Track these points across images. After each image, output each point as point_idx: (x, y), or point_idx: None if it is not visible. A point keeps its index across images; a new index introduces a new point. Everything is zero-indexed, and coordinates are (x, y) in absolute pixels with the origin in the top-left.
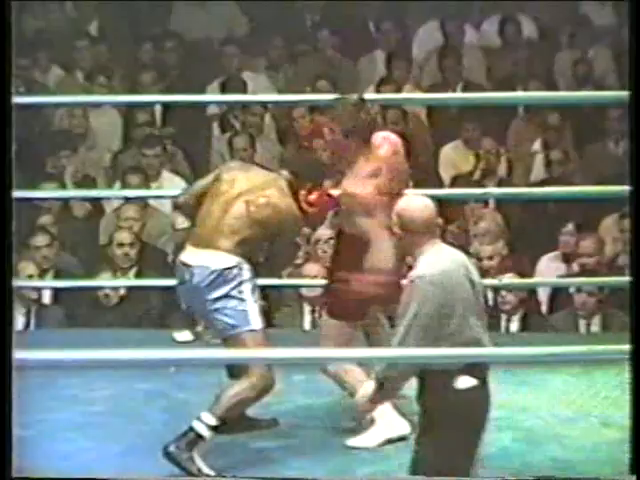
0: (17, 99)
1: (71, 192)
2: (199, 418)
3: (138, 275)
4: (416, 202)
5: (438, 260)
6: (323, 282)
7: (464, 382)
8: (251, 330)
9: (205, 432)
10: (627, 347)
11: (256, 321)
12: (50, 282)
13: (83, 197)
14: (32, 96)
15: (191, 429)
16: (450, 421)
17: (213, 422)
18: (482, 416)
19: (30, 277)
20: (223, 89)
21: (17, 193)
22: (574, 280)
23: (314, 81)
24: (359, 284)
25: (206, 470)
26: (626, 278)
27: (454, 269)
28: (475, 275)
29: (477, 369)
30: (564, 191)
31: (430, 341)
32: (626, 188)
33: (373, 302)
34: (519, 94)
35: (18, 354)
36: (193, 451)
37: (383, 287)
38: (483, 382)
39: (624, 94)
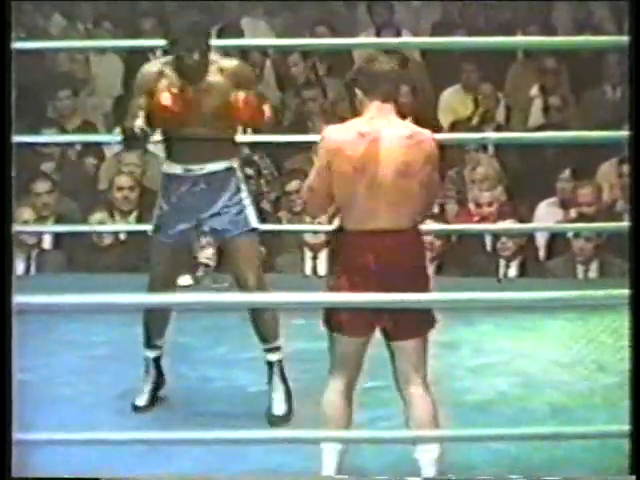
0: (18, 45)
1: (72, 137)
2: (269, 355)
3: (139, 219)
4: None
5: None
6: (325, 228)
7: None
8: (249, 231)
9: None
10: (625, 292)
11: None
12: (50, 227)
13: (83, 142)
14: (34, 41)
15: (271, 364)
16: None
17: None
18: None
19: (26, 222)
20: (220, 36)
21: (17, 138)
22: (572, 226)
23: (312, 27)
24: None
25: None
26: (624, 224)
27: None
28: None
29: None
30: (563, 136)
31: None
32: (624, 133)
33: None
34: (518, 39)
35: (18, 298)
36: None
37: None
38: None
39: (623, 39)
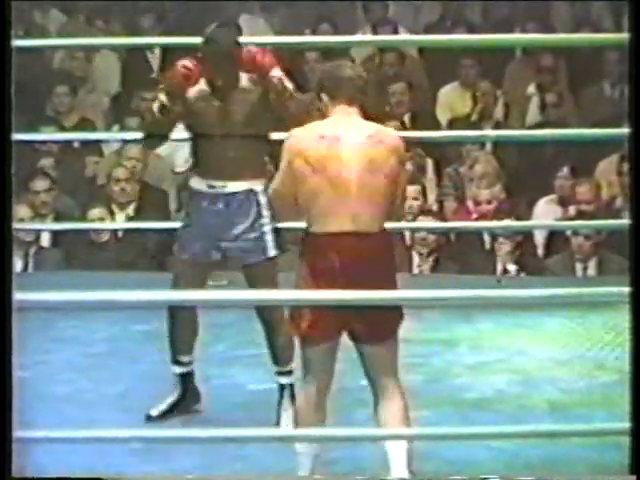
0: (17, 42)
1: (70, 134)
2: (281, 377)
3: (137, 212)
4: None
5: None
6: None
7: None
8: (268, 259)
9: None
10: (624, 290)
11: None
12: (48, 225)
13: (82, 139)
14: (32, 39)
15: (282, 387)
16: None
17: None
18: None
19: (22, 220)
20: None
21: (17, 136)
22: (571, 223)
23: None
24: None
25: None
26: (623, 221)
27: None
28: None
29: None
30: (562, 134)
31: None
32: (623, 130)
33: None
34: (517, 36)
35: (17, 295)
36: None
37: None
38: None
39: (621, 36)
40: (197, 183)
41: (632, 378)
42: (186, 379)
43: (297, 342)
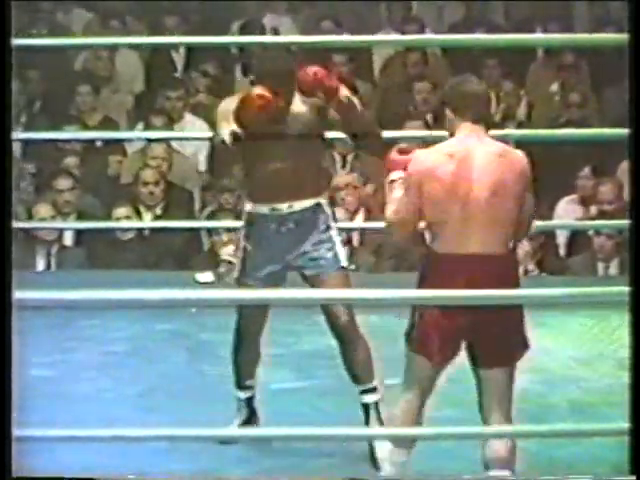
0: (40, 41)
1: (94, 134)
2: (365, 396)
3: (165, 211)
4: None
5: None
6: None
7: None
8: (339, 269)
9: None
10: (624, 290)
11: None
12: (62, 223)
13: (106, 139)
14: (54, 38)
15: (367, 406)
16: None
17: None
18: None
19: (43, 219)
20: (242, 32)
21: (40, 135)
22: (593, 223)
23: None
24: None
25: None
26: (622, 221)
27: None
28: None
29: None
30: (584, 133)
31: None
32: (624, 130)
33: None
34: (539, 36)
35: (39, 294)
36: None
37: None
38: None
39: (622, 37)
40: (256, 208)
41: (632, 378)
42: (250, 402)
43: (406, 355)
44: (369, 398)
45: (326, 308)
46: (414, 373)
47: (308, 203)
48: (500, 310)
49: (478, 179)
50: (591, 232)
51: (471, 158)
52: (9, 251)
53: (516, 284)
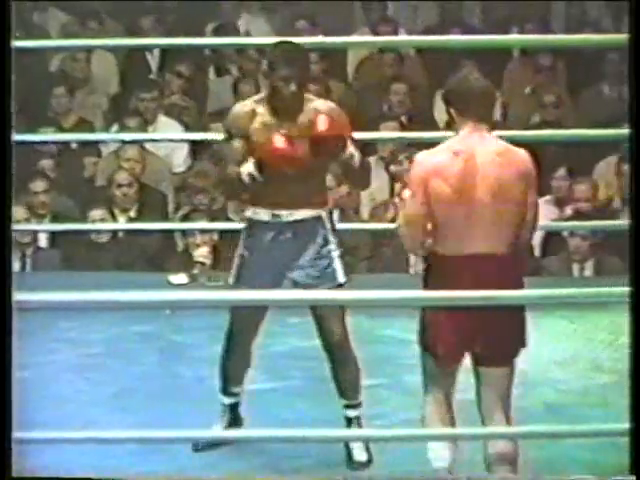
0: (16, 43)
1: (69, 135)
2: (349, 411)
3: (139, 214)
4: None
5: None
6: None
7: None
8: (339, 285)
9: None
10: (622, 290)
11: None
12: (45, 226)
13: (81, 140)
14: (31, 40)
15: (349, 420)
16: None
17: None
18: None
19: (18, 221)
20: (216, 33)
21: (16, 137)
22: (568, 224)
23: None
24: None
25: None
26: (621, 222)
27: None
28: None
29: None
30: (560, 134)
31: None
32: (622, 131)
33: None
34: (515, 37)
35: (16, 296)
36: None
37: None
38: None
39: (621, 37)
40: (258, 214)
41: (632, 378)
42: (234, 409)
43: (421, 355)
44: (352, 413)
45: (321, 324)
46: (429, 372)
47: (309, 214)
48: (503, 310)
49: (482, 178)
50: (565, 233)
51: (474, 156)
52: (9, 253)
53: (520, 284)
